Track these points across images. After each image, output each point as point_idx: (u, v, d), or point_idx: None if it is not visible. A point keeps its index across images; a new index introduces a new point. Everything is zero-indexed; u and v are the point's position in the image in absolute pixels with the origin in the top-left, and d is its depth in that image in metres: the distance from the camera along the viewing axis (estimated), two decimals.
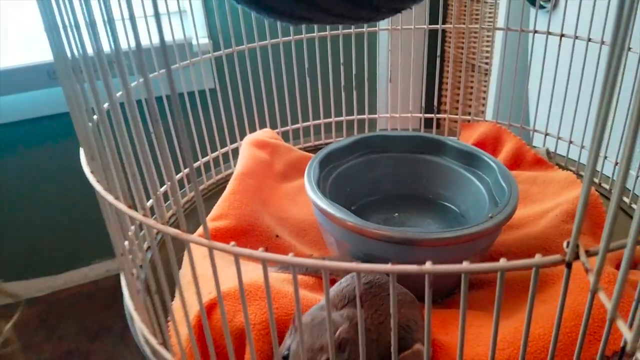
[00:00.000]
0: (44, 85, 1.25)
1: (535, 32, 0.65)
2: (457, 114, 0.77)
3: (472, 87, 1.43)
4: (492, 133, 0.72)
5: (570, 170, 0.66)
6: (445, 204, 0.58)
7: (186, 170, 0.64)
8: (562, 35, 0.63)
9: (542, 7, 0.78)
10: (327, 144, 0.78)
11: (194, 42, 0.87)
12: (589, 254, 0.23)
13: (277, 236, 0.54)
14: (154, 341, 0.40)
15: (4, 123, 1.28)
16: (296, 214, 0.59)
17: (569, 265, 0.23)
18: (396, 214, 0.58)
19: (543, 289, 0.45)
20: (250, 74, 0.66)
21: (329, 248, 0.53)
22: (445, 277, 0.49)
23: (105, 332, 1.38)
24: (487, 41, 1.38)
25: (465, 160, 0.57)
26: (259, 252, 0.29)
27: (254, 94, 0.67)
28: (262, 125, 0.73)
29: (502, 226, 0.46)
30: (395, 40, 0.76)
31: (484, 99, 1.40)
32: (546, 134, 0.70)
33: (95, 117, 0.37)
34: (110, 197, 0.34)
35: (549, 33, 0.64)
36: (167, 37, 0.29)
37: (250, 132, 0.71)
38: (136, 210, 0.33)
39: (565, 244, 0.23)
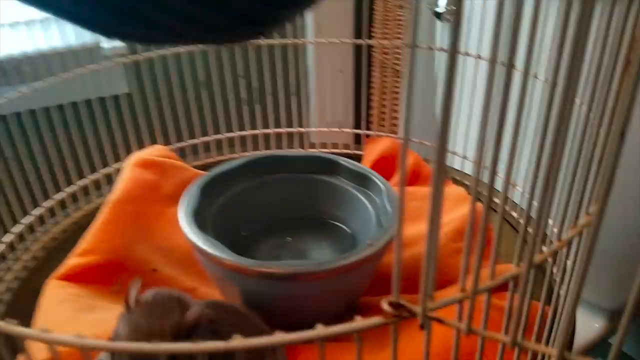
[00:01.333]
0: None
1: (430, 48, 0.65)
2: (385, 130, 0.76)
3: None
4: (392, 149, 0.71)
5: (465, 186, 0.67)
6: (339, 224, 0.57)
7: (52, 200, 0.58)
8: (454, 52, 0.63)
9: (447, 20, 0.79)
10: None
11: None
12: (411, 313, 0.21)
13: (154, 270, 0.50)
14: None
15: None
16: (183, 242, 0.55)
17: (393, 323, 0.21)
18: (289, 238, 0.56)
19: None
20: (137, 84, 0.62)
21: (212, 282, 0.50)
22: (330, 303, 0.48)
23: None
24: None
25: (357, 181, 0.56)
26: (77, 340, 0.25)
27: (142, 107, 0.63)
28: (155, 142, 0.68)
29: (382, 252, 0.45)
30: (321, 53, 0.75)
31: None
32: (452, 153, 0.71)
33: None
34: None
35: (442, 49, 0.64)
36: None
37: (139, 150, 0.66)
38: None
39: (384, 303, 0.21)
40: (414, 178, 0.67)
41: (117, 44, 0.72)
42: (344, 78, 0.73)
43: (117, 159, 0.64)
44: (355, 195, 0.55)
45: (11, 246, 0.51)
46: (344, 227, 0.56)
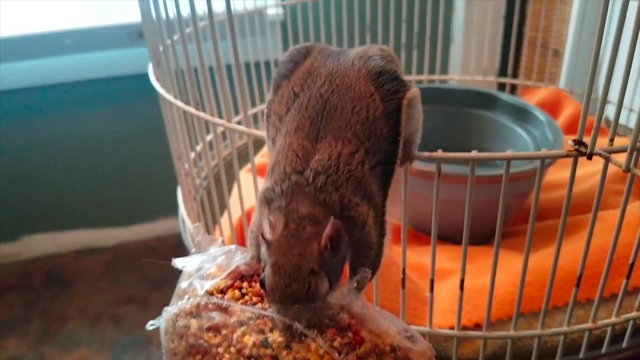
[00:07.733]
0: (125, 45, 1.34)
1: None
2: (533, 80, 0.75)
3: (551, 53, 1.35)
4: (551, 98, 0.70)
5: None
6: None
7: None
8: None
9: None
10: None
11: None
12: (593, 151, 0.24)
13: None
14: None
15: (87, 80, 1.39)
16: None
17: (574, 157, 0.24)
18: None
19: (574, 231, 0.44)
20: (312, 27, 0.69)
21: None
22: (481, 223, 0.50)
23: (164, 283, 1.48)
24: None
25: (516, 115, 0.57)
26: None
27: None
28: None
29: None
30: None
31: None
32: (607, 102, 0.67)
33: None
34: (183, 105, 0.39)
35: None
36: None
37: None
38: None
39: (570, 142, 0.24)
40: (575, 127, 0.66)
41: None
42: (493, 28, 0.72)
43: None
44: (513, 130, 0.57)
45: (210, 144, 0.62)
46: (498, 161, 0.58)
